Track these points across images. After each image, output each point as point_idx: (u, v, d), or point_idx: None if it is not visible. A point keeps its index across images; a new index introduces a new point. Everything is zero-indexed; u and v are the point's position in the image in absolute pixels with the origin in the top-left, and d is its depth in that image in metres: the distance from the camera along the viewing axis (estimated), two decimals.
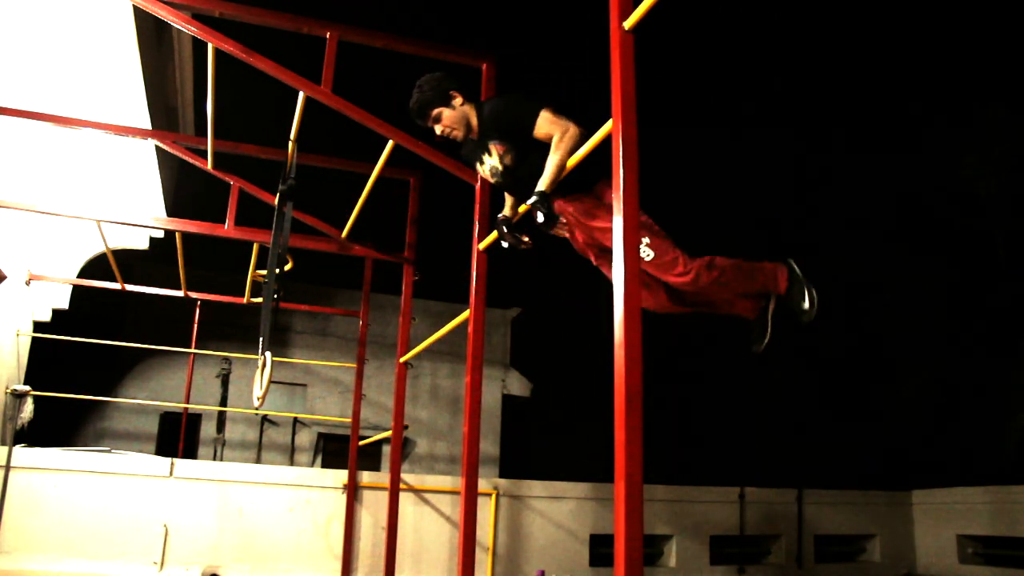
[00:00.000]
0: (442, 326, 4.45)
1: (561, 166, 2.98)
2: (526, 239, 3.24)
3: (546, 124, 3.07)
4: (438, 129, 3.35)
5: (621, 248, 2.23)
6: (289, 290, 7.02)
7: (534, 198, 2.96)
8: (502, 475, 10.15)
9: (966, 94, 11.69)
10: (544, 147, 3.09)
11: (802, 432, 13.31)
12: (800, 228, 14.72)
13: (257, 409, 7.34)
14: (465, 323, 3.92)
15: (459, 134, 3.34)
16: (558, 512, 6.51)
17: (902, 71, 13.12)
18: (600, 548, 6.53)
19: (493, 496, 6.30)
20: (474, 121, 3.32)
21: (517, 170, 3.24)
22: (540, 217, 2.96)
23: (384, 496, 5.88)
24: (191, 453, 9.59)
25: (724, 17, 14.57)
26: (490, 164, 3.32)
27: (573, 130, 3.02)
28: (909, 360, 12.29)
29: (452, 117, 3.31)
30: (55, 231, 6.84)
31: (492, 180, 3.41)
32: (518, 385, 11.69)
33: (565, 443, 13.71)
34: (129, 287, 6.88)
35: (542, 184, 2.97)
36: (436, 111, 3.32)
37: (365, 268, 6.67)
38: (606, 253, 3.22)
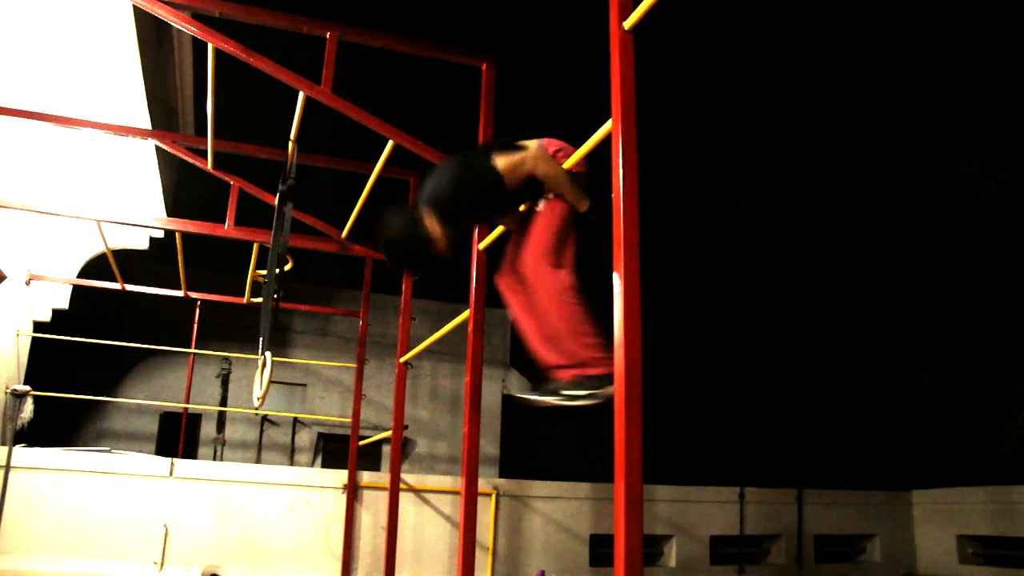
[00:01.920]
0: (442, 326, 4.45)
1: (569, 184, 2.79)
2: None
3: (512, 171, 2.78)
4: (441, 245, 2.80)
5: (621, 248, 2.23)
6: (289, 290, 7.03)
7: (588, 213, 2.79)
8: (502, 475, 10.16)
9: (966, 94, 11.69)
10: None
11: (802, 432, 13.31)
12: (800, 228, 14.73)
13: (257, 409, 7.35)
14: (465, 323, 3.92)
15: (449, 241, 2.83)
16: (558, 512, 6.52)
17: (902, 71, 13.13)
18: (600, 548, 6.54)
19: (493, 496, 6.30)
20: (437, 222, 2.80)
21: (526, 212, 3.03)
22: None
23: (384, 496, 5.88)
24: (191, 453, 9.59)
25: (723, 17, 14.58)
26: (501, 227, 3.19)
27: (532, 154, 2.80)
28: (909, 360, 12.29)
29: (439, 234, 2.77)
30: (55, 231, 6.84)
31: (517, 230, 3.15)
32: (518, 385, 11.69)
33: (565, 443, 13.71)
34: (129, 287, 6.88)
35: (582, 207, 2.78)
36: (422, 251, 2.80)
37: (365, 268, 6.67)
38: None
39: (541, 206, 2.90)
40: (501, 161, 2.79)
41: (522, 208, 3.05)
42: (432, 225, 2.76)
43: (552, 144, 2.96)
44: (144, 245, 7.46)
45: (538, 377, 2.84)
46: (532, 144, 2.92)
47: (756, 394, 14.01)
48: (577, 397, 2.64)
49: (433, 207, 2.78)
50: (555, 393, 2.70)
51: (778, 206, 14.97)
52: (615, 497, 2.07)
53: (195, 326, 8.06)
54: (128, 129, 5.33)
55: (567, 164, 2.92)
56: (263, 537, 5.81)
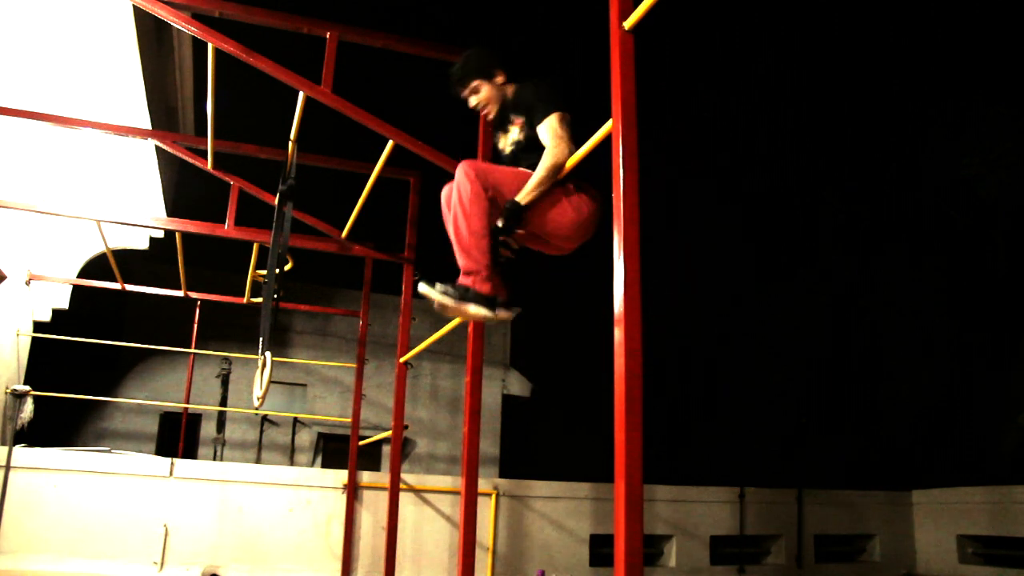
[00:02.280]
0: (442, 326, 4.44)
1: (542, 184, 2.92)
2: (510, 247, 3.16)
3: (547, 130, 3.01)
4: (472, 101, 3.30)
5: (621, 248, 2.23)
6: (289, 290, 7.03)
7: (507, 204, 2.92)
8: (502, 475, 10.16)
9: (966, 94, 11.69)
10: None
11: (802, 432, 13.31)
12: (800, 228, 14.73)
13: (257, 409, 7.34)
14: (465, 323, 3.92)
15: (492, 111, 3.31)
16: (558, 512, 6.52)
17: (902, 70, 13.12)
18: (600, 548, 6.54)
19: (493, 496, 6.30)
20: (510, 97, 3.29)
21: (528, 150, 3.20)
22: (499, 222, 2.92)
23: (384, 496, 5.88)
24: (191, 453, 9.59)
25: (723, 17, 14.58)
26: (511, 137, 3.31)
27: (562, 150, 2.94)
28: (909, 360, 12.29)
29: (489, 94, 3.27)
30: (55, 231, 6.84)
31: (507, 153, 3.37)
32: (518, 385, 11.70)
33: (565, 443, 13.71)
34: (129, 287, 6.88)
35: (520, 195, 2.92)
36: (475, 83, 3.27)
37: (365, 268, 6.67)
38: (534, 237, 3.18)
39: (524, 169, 3.05)
40: (556, 119, 3.00)
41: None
42: (500, 81, 3.28)
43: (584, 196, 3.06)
44: (144, 245, 7.46)
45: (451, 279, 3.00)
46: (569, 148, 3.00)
47: (756, 394, 14.02)
48: (448, 294, 2.83)
49: (515, 78, 3.29)
50: (440, 289, 2.86)
51: (778, 206, 14.98)
52: (615, 497, 2.07)
53: (195, 326, 8.06)
54: (128, 129, 5.33)
55: (568, 163, 2.96)
56: (263, 537, 5.81)
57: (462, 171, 2.93)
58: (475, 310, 2.84)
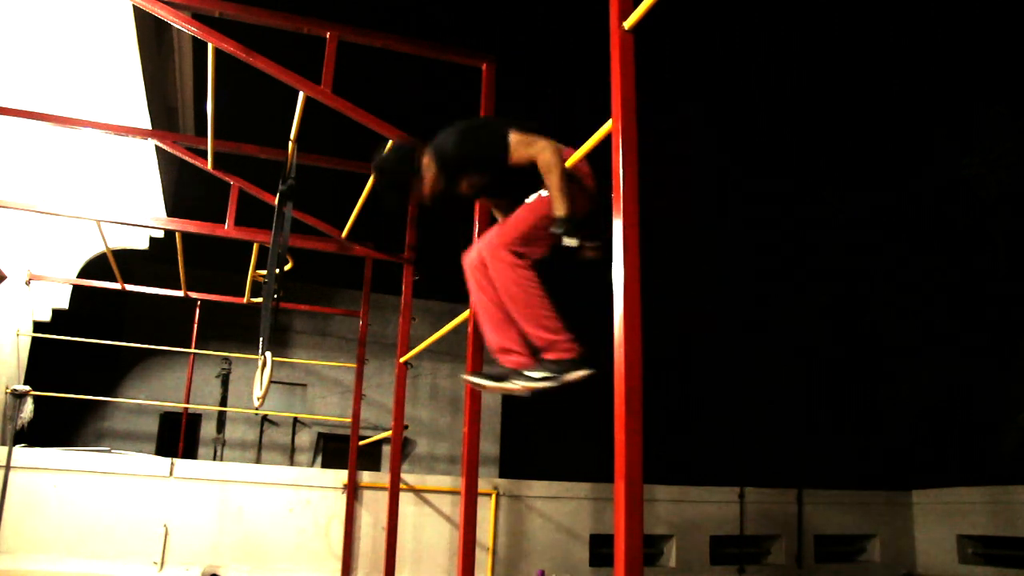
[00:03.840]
0: (442, 326, 4.45)
1: (562, 183, 2.77)
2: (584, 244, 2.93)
3: (522, 148, 2.83)
4: (433, 187, 2.98)
5: (621, 248, 2.23)
6: (289, 290, 7.02)
7: (559, 229, 2.73)
8: (502, 475, 10.16)
9: (966, 94, 11.69)
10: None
11: (802, 432, 13.31)
12: (800, 228, 14.73)
13: (257, 409, 7.35)
14: (465, 323, 3.92)
15: (432, 192, 3.01)
16: (558, 512, 6.51)
17: (902, 70, 13.13)
18: (600, 548, 6.54)
19: (493, 496, 6.30)
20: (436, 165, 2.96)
21: (499, 185, 3.08)
22: (571, 242, 2.73)
23: (384, 496, 5.88)
24: (191, 453, 9.59)
25: (723, 17, 14.58)
26: (477, 189, 3.14)
27: (542, 147, 2.81)
28: (909, 360, 12.29)
29: (432, 173, 2.94)
30: (55, 231, 6.84)
31: (499, 203, 3.26)
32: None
33: (565, 443, 13.70)
34: (129, 287, 6.88)
35: (559, 210, 2.74)
36: (416, 188, 2.99)
37: (365, 268, 6.67)
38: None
39: (532, 198, 2.92)
40: (515, 135, 2.85)
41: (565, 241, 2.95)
42: (427, 165, 2.93)
43: (576, 161, 2.94)
44: (144, 245, 7.46)
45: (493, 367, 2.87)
46: (551, 142, 2.90)
47: (756, 394, 14.02)
48: (537, 379, 2.69)
49: (435, 151, 2.92)
50: (510, 378, 2.72)
51: (777, 206, 14.98)
52: (615, 497, 2.07)
53: (195, 326, 8.06)
54: (128, 129, 5.33)
55: (568, 163, 2.91)
56: (263, 537, 5.81)
57: (486, 252, 2.80)
58: (577, 375, 2.68)
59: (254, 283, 6.63)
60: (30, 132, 5.44)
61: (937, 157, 11.74)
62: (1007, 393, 10.38)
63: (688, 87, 15.26)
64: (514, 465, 10.89)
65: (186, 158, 5.45)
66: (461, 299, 3.93)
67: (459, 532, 3.63)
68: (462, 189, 3.04)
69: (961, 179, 11.24)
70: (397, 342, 6.00)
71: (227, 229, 5.56)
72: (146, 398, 9.48)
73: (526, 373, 2.72)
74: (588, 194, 2.94)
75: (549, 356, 2.72)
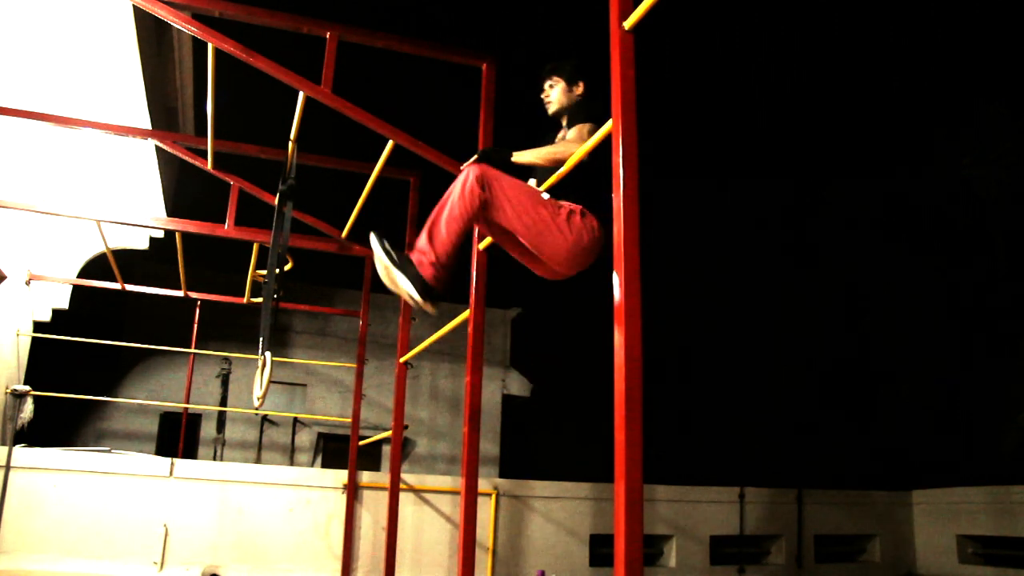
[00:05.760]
0: (442, 326, 4.45)
1: (538, 157, 3.10)
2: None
3: (575, 130, 3.22)
4: (544, 91, 3.50)
5: (621, 247, 2.23)
6: (289, 290, 7.03)
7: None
8: (502, 475, 10.15)
9: (966, 94, 11.69)
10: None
11: (802, 432, 13.31)
12: (800, 228, 14.73)
13: (257, 409, 7.34)
14: (465, 323, 3.92)
15: (551, 109, 3.48)
16: (558, 512, 6.51)
17: (902, 70, 13.12)
18: (600, 548, 6.53)
19: (493, 496, 6.30)
20: (571, 107, 3.45)
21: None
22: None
23: (384, 496, 5.88)
24: (191, 453, 9.59)
25: (723, 17, 14.57)
26: (555, 140, 3.45)
27: (570, 151, 3.05)
28: (909, 360, 12.29)
29: (560, 95, 3.45)
30: (55, 231, 6.84)
31: None
32: (518, 385, 11.69)
33: (565, 443, 13.71)
34: (129, 287, 6.87)
35: (519, 154, 3.12)
36: (557, 80, 3.46)
37: (365, 268, 6.67)
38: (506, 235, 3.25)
39: (544, 191, 3.12)
40: (584, 128, 3.21)
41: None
42: (579, 91, 3.48)
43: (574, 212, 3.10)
44: (144, 245, 7.46)
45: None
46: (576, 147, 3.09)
47: (756, 394, 14.02)
48: (391, 257, 2.82)
49: (593, 94, 3.49)
50: (400, 265, 2.84)
51: (777, 206, 14.98)
52: (615, 497, 2.07)
53: (195, 326, 8.06)
54: (128, 129, 5.33)
55: (569, 163, 3.01)
56: (263, 537, 5.81)
57: (471, 168, 2.96)
58: (405, 286, 2.78)
59: (254, 283, 6.63)
60: (30, 132, 5.44)
61: (937, 157, 11.74)
62: (1007, 393, 10.38)
63: (688, 87, 15.25)
64: (514, 465, 10.89)
65: (186, 158, 5.45)
66: (461, 299, 3.93)
67: (459, 532, 3.63)
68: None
69: (961, 179, 11.24)
70: (397, 342, 6.00)
71: (227, 229, 5.56)
72: (146, 398, 9.48)
73: (404, 268, 2.82)
74: (552, 225, 3.00)
75: (414, 256, 2.83)
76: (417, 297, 2.77)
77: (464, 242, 2.91)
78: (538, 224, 2.96)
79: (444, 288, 2.85)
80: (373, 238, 2.85)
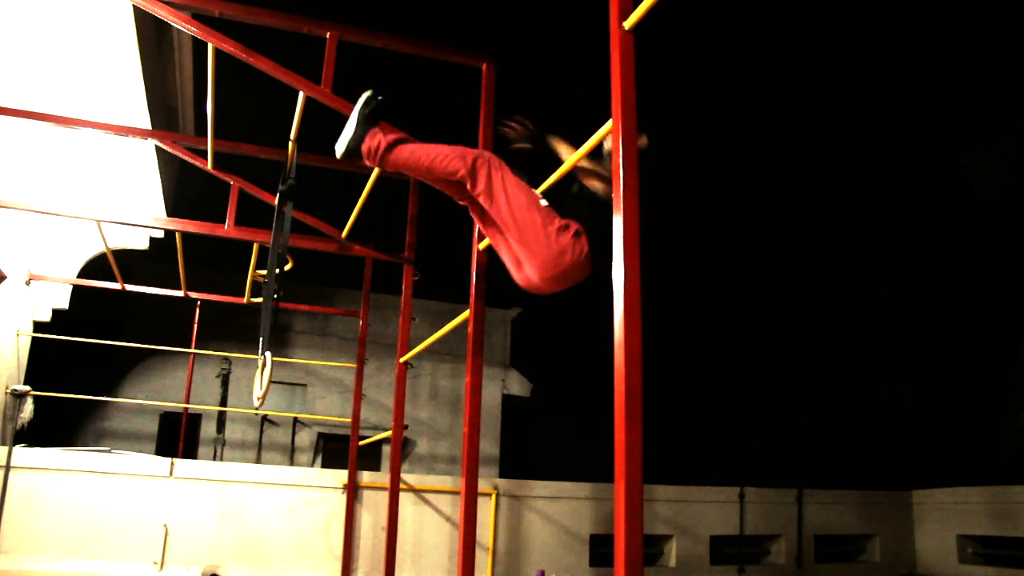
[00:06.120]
0: (442, 326, 4.45)
1: (559, 146, 3.29)
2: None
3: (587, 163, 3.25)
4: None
5: (621, 248, 2.23)
6: (289, 290, 7.03)
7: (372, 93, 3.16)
8: (502, 475, 10.16)
9: (966, 94, 11.69)
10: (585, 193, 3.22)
11: (802, 432, 13.31)
12: (800, 229, 14.72)
13: (257, 409, 7.34)
14: (465, 323, 3.92)
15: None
16: (558, 512, 6.51)
17: (902, 70, 13.12)
18: (600, 548, 6.54)
19: (493, 496, 6.31)
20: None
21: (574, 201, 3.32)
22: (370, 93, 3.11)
23: (384, 496, 5.88)
24: (191, 453, 9.59)
25: (723, 17, 14.58)
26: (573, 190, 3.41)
27: (600, 182, 3.17)
28: (909, 360, 12.29)
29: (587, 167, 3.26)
30: (55, 231, 6.84)
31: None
32: (518, 385, 11.69)
33: (565, 443, 13.70)
34: (129, 287, 6.87)
35: (555, 141, 3.31)
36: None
37: (365, 268, 6.67)
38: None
39: (540, 194, 3.18)
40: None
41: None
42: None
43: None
44: (144, 245, 7.46)
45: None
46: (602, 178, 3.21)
47: (756, 394, 14.02)
48: (359, 114, 3.06)
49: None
50: (362, 111, 3.07)
51: (777, 205, 14.98)
52: (615, 497, 2.07)
53: (195, 326, 8.05)
54: (128, 129, 5.33)
55: (569, 162, 3.06)
56: (263, 537, 5.81)
57: (485, 152, 3.06)
58: (345, 132, 3.04)
59: (254, 283, 6.63)
60: (30, 132, 5.44)
61: (937, 157, 11.74)
62: (1007, 393, 10.38)
63: (688, 87, 15.26)
64: (514, 465, 10.89)
65: (186, 158, 5.44)
66: (461, 299, 3.93)
67: (459, 532, 3.63)
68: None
69: (961, 179, 11.24)
70: (397, 342, 6.00)
71: (227, 229, 5.56)
72: (146, 398, 9.48)
73: (361, 126, 3.06)
74: (542, 232, 2.97)
75: (371, 132, 3.03)
76: (341, 145, 3.05)
77: (409, 175, 3.17)
78: (527, 225, 2.92)
79: (360, 163, 3.11)
80: (365, 95, 3.07)
